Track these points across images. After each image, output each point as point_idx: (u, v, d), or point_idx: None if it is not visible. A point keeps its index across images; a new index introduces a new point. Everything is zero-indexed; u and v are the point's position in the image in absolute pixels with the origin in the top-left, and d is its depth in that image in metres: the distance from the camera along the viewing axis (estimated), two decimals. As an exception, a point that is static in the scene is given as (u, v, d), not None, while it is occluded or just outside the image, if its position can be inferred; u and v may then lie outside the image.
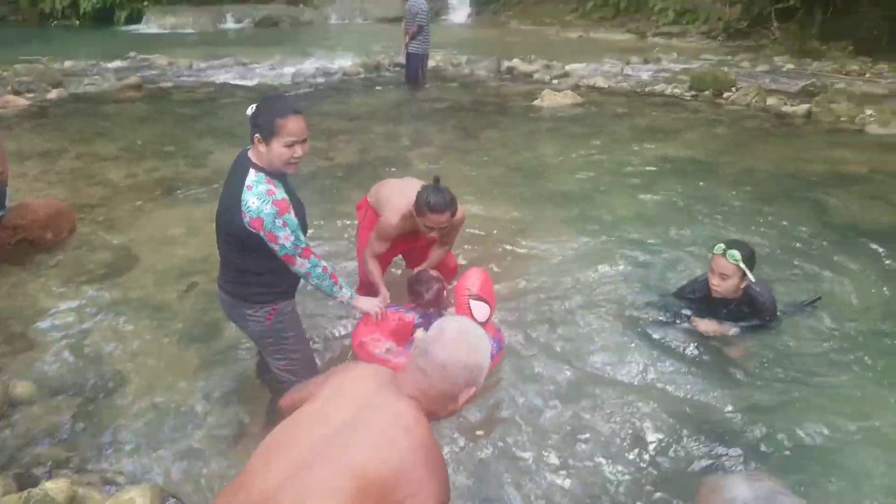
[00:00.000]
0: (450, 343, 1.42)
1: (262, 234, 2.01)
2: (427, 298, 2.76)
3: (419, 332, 2.64)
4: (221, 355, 2.93)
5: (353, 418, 1.36)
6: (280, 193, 2.02)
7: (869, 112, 7.37)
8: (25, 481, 2.17)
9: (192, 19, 16.87)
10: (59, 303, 3.32)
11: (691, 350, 2.89)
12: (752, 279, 2.70)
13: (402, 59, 9.27)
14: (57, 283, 3.51)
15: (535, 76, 10.26)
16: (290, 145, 2.00)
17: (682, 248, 3.95)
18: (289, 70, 10.35)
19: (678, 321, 3.03)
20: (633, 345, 2.96)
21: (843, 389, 2.69)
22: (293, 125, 1.99)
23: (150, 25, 16.75)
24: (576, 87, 9.20)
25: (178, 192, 4.85)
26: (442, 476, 1.33)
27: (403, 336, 2.71)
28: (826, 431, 2.44)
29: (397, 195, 2.85)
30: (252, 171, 2.02)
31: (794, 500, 1.00)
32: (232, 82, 9.47)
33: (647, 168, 5.63)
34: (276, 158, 2.01)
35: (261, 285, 2.18)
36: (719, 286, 2.73)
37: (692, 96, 8.80)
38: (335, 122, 7.09)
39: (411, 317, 2.77)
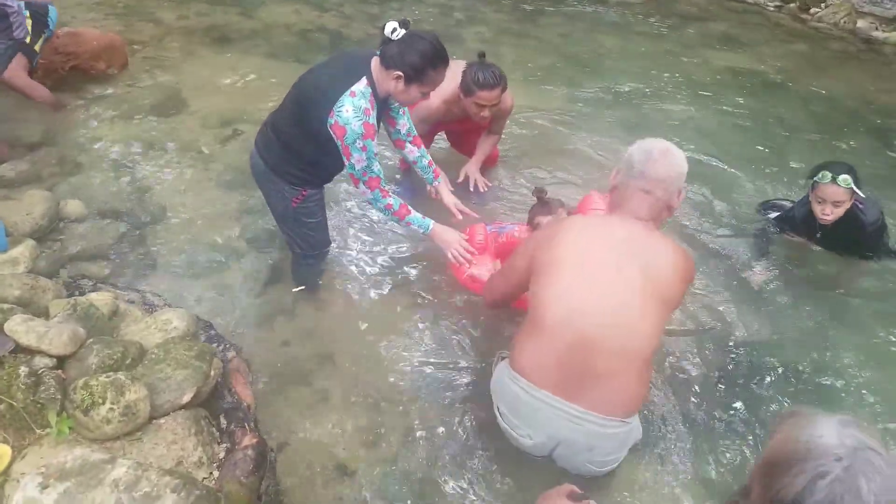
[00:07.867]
0: (661, 159, 1.54)
1: (338, 143, 1.96)
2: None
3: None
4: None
5: (619, 241, 1.54)
6: (373, 118, 1.95)
7: (970, 49, 6.66)
8: (73, 290, 2.31)
9: None
10: (108, 132, 3.40)
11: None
12: (862, 195, 2.53)
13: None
14: (107, 114, 3.57)
15: (609, -38, 9.34)
16: (426, 94, 1.98)
17: (737, 167, 3.79)
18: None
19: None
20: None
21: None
22: (441, 78, 1.96)
23: None
24: (651, -19, 8.40)
25: (227, 40, 4.74)
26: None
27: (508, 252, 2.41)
28: None
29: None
30: (364, 80, 1.92)
31: (886, 458, 0.77)
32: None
33: (713, 77, 5.27)
34: (405, 98, 1.98)
35: (301, 170, 2.17)
36: (832, 214, 2.52)
37: (776, 7, 7.97)
38: (389, -13, 6.66)
39: (519, 230, 2.58)
